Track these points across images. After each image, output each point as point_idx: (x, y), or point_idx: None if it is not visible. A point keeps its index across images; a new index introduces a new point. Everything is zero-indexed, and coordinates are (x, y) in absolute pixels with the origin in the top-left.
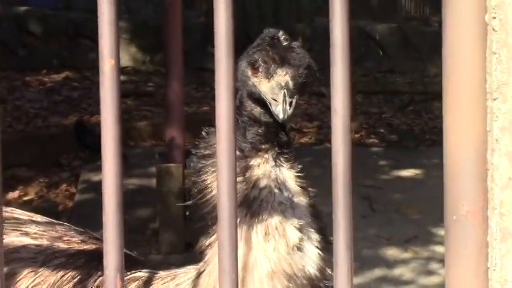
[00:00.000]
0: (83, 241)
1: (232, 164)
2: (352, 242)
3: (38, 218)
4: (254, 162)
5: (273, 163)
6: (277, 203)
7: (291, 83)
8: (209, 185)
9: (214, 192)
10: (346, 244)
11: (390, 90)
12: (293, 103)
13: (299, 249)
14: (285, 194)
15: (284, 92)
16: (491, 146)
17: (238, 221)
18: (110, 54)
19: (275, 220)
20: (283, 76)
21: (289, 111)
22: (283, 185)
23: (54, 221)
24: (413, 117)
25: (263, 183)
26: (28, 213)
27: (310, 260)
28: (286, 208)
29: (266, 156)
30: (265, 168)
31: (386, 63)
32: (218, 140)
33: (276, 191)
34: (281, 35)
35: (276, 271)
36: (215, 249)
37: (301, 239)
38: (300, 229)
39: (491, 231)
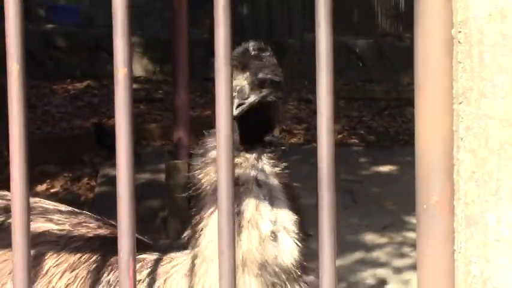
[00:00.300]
0: (99, 227)
1: (230, 159)
2: (336, 229)
3: (62, 207)
4: (237, 160)
5: (255, 161)
6: (254, 197)
7: (247, 87)
8: (200, 179)
9: (204, 186)
10: (331, 231)
11: (369, 97)
12: (245, 104)
13: (273, 240)
14: (264, 189)
15: (235, 95)
16: (457, 143)
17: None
18: (123, 64)
19: (250, 213)
20: (242, 80)
21: (235, 111)
22: (263, 180)
23: (76, 210)
24: (389, 121)
25: (243, 179)
26: (54, 203)
27: (286, 250)
28: (263, 202)
29: (247, 156)
30: (246, 165)
31: (365, 74)
32: (218, 139)
33: (255, 186)
34: (251, 45)
35: (248, 259)
36: (202, 235)
37: (274, 231)
38: (275, 221)
39: (457, 219)
